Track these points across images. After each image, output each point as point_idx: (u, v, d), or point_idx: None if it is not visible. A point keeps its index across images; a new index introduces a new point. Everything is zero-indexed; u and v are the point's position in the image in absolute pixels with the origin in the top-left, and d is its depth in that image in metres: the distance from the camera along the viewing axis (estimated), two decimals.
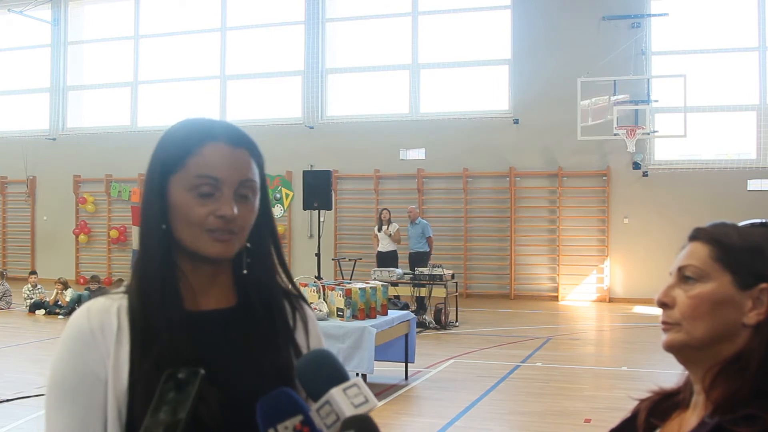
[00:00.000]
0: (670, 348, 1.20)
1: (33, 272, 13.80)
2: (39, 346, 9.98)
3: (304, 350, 1.39)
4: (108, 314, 1.27)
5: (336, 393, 1.07)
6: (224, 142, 1.29)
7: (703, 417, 1.14)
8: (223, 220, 1.26)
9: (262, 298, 1.36)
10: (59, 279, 13.26)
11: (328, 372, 1.11)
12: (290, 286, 1.44)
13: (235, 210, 1.27)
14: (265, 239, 1.37)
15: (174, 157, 1.29)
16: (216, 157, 1.28)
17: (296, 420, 1.08)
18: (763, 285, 1.14)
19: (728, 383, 1.13)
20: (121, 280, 1.38)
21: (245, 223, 1.30)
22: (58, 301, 12.79)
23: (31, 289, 13.20)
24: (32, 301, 13.00)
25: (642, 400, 1.30)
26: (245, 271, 1.35)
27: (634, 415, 1.29)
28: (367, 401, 1.08)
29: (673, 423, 1.23)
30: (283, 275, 1.41)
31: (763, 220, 1.21)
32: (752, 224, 1.20)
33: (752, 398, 1.10)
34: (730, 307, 1.15)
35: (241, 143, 1.31)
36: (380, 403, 6.78)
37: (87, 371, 1.24)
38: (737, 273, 1.16)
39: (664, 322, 1.20)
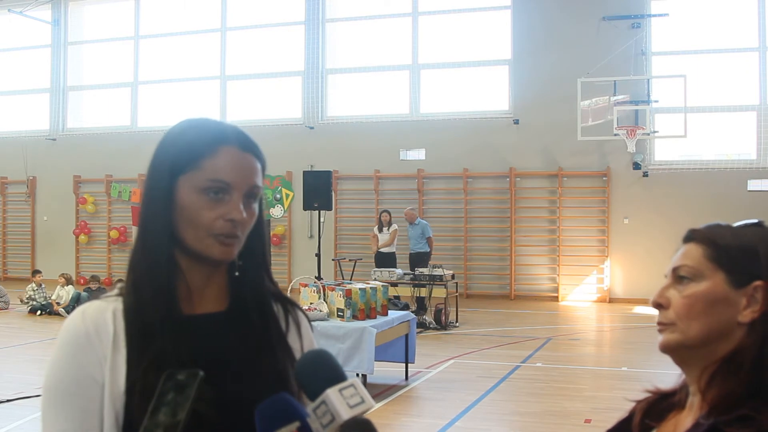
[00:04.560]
0: (666, 348, 1.20)
1: (37, 271, 13.76)
2: (39, 347, 9.97)
3: (298, 353, 1.39)
4: (103, 317, 1.27)
5: (332, 393, 1.07)
6: (236, 146, 1.30)
7: (698, 418, 1.14)
8: (231, 224, 1.27)
9: (256, 301, 1.37)
10: (62, 274, 13.24)
11: (326, 372, 1.11)
12: (278, 290, 1.44)
13: (244, 214, 1.28)
14: (256, 242, 1.37)
15: (186, 157, 1.29)
16: (229, 162, 1.29)
17: (293, 426, 1.08)
18: (758, 283, 1.14)
19: (724, 383, 1.13)
20: (120, 281, 1.38)
21: (248, 227, 1.32)
22: (59, 302, 12.74)
23: (35, 288, 13.15)
24: (34, 303, 12.95)
25: (638, 401, 1.30)
26: (237, 274, 1.35)
27: (630, 416, 1.29)
28: (363, 402, 1.08)
29: (668, 424, 1.23)
30: (269, 282, 1.41)
31: (757, 221, 1.22)
32: (746, 224, 1.21)
33: (747, 398, 1.10)
34: (724, 306, 1.15)
35: (249, 148, 1.32)
36: (380, 404, 6.78)
37: (83, 374, 1.24)
38: (731, 272, 1.16)
39: (659, 323, 1.21)
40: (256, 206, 1.33)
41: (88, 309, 1.29)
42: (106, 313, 1.28)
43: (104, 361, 1.24)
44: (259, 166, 1.33)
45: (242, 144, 1.31)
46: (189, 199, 1.28)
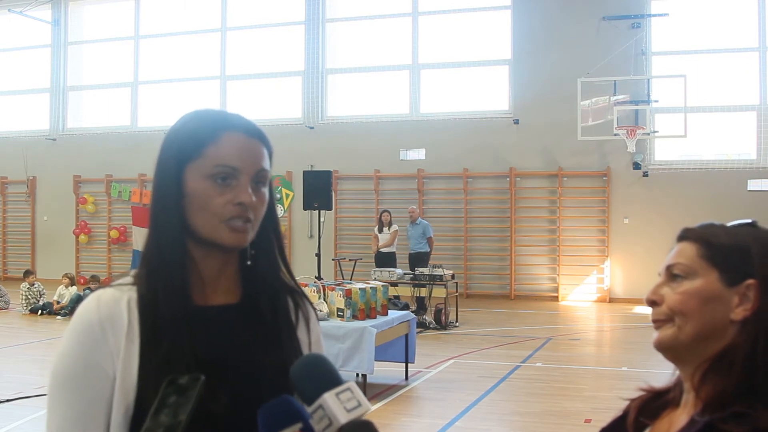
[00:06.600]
0: (661, 344, 1.21)
1: (29, 272, 13.76)
2: (39, 347, 9.98)
3: (306, 347, 1.41)
4: (118, 307, 1.27)
5: (329, 397, 1.07)
6: (241, 131, 1.32)
7: (693, 415, 1.15)
8: (241, 207, 1.28)
9: (267, 293, 1.38)
10: (66, 274, 13.24)
11: (322, 376, 1.11)
12: (292, 282, 1.45)
13: (253, 198, 1.29)
14: (268, 232, 1.38)
15: (191, 146, 1.30)
16: (234, 146, 1.30)
17: (296, 428, 1.08)
18: (750, 281, 1.16)
19: (717, 380, 1.14)
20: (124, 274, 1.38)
21: (259, 212, 1.32)
22: (59, 301, 12.74)
23: (28, 287, 13.15)
24: (33, 304, 12.94)
25: (632, 400, 1.31)
26: (249, 263, 1.36)
27: (625, 414, 1.30)
28: (359, 405, 1.08)
29: (663, 422, 1.24)
30: (284, 270, 1.42)
31: (750, 220, 1.23)
32: (740, 224, 1.23)
33: (741, 395, 1.11)
34: (717, 303, 1.17)
35: (255, 133, 1.34)
36: (380, 404, 6.79)
37: (94, 364, 1.24)
38: (724, 270, 1.17)
39: (654, 320, 1.22)
40: (265, 191, 1.34)
41: (103, 297, 1.29)
42: (120, 303, 1.28)
43: (117, 354, 1.25)
44: (265, 151, 1.34)
45: (247, 130, 1.33)
46: (197, 186, 1.29)
